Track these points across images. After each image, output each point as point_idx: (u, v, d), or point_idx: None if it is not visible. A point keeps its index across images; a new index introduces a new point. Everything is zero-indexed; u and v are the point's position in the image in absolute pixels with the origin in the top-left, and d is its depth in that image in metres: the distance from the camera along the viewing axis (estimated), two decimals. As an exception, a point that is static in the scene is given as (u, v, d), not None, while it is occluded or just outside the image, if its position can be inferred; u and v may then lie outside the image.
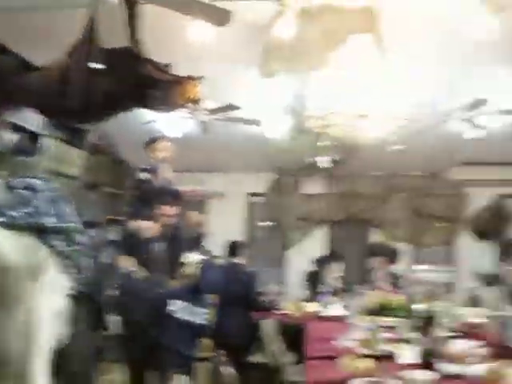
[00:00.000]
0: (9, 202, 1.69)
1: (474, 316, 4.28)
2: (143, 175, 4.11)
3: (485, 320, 4.06)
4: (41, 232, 1.71)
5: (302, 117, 5.66)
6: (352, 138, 3.86)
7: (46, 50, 3.55)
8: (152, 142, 4.31)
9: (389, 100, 3.63)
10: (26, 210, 1.67)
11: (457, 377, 2.31)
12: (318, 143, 4.56)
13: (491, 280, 4.44)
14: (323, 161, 4.13)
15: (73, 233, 2.15)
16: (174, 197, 4.22)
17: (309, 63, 4.98)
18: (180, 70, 3.95)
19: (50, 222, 1.78)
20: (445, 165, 7.12)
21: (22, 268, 1.33)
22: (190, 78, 4.08)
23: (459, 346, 2.82)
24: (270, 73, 5.18)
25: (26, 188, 1.74)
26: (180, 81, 3.97)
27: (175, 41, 4.30)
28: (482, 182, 7.11)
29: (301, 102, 5.43)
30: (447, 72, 4.95)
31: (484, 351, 2.74)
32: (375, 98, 3.63)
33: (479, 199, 6.89)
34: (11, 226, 1.56)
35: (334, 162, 5.10)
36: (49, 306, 1.38)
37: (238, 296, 4.32)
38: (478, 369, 2.34)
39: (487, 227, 4.10)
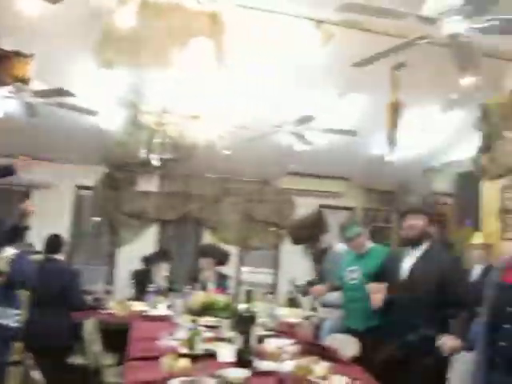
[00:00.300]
0: None
1: (291, 316, 4.60)
2: None
3: (300, 320, 4.38)
4: None
5: (138, 112, 5.54)
6: (184, 137, 3.87)
7: None
8: None
9: (222, 106, 3.72)
10: None
11: (269, 373, 2.43)
12: (152, 140, 4.46)
13: (306, 291, 4.81)
14: (155, 158, 4.04)
15: None
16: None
17: (149, 59, 4.90)
18: (6, 45, 3.61)
19: None
20: (275, 173, 7.55)
21: None
22: (18, 54, 3.74)
23: (273, 344, 2.98)
24: (108, 63, 4.97)
25: None
26: (7, 56, 3.62)
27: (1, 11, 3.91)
28: (307, 192, 7.72)
29: (138, 97, 5.31)
30: (280, 89, 5.29)
31: (296, 349, 2.94)
32: (210, 103, 3.69)
33: (303, 208, 7.46)
34: None
35: (167, 160, 5.06)
36: None
37: (55, 294, 4.02)
38: (289, 365, 2.49)
39: (304, 234, 4.43)
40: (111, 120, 5.54)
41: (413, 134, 6.00)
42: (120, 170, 7.01)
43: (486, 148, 4.80)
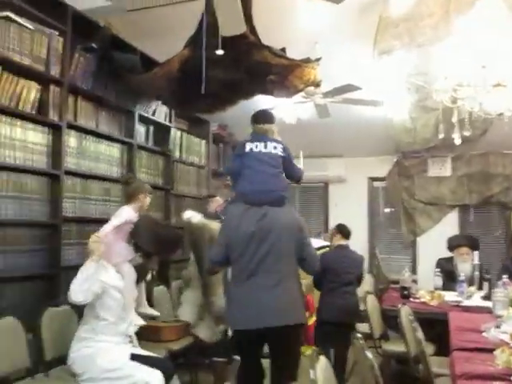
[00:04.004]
0: None
1: None
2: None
3: None
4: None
5: (427, 93, 5.28)
6: (486, 111, 3.46)
7: (166, 44, 3.66)
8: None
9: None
10: None
11: None
12: (445, 120, 4.18)
13: None
14: (456, 137, 3.75)
15: None
16: None
17: (428, 35, 4.61)
18: (294, 53, 3.86)
19: None
20: None
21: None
22: (307, 60, 3.96)
23: None
24: (388, 49, 4.88)
25: None
26: (298, 64, 3.87)
27: (287, 24, 4.22)
28: None
29: (424, 78, 5.07)
30: None
31: None
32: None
33: None
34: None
35: (465, 139, 4.66)
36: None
37: (351, 279, 4.19)
38: None
39: None
40: (397, 107, 5.43)
41: None
42: (410, 157, 6.84)
43: None
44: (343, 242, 4.32)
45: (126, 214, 3.24)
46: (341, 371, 3.74)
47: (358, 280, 4.27)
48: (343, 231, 4.37)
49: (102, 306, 2.93)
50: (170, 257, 3.64)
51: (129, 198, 3.40)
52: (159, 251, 3.11)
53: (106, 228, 3.11)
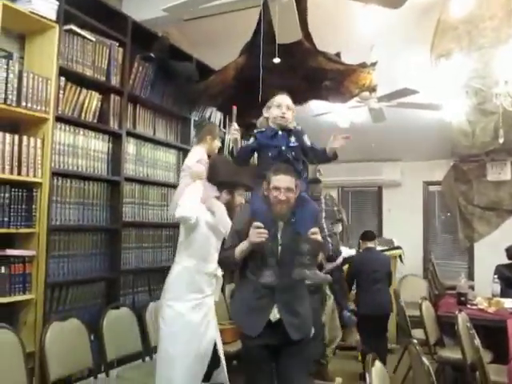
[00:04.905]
0: None
1: None
2: None
3: None
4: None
5: (484, 96, 5.12)
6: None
7: (222, 52, 3.72)
8: None
9: None
10: None
11: None
12: (503, 123, 4.04)
13: None
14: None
15: None
16: None
17: (489, 38, 4.46)
18: (349, 57, 3.83)
19: None
20: None
21: None
22: (362, 65, 3.92)
23: None
24: (446, 52, 4.77)
25: None
26: (353, 69, 3.84)
27: (344, 28, 4.18)
28: None
29: (483, 81, 4.93)
30: None
31: None
32: None
33: None
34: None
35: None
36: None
37: (380, 276, 4.59)
38: None
39: None
40: (455, 111, 5.29)
41: None
42: (468, 161, 6.63)
43: None
44: (370, 244, 4.77)
45: (196, 153, 3.32)
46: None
47: (389, 277, 4.69)
48: (366, 236, 4.83)
49: (193, 240, 2.87)
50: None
51: (199, 139, 3.54)
52: (239, 180, 3.05)
53: (192, 166, 3.10)
